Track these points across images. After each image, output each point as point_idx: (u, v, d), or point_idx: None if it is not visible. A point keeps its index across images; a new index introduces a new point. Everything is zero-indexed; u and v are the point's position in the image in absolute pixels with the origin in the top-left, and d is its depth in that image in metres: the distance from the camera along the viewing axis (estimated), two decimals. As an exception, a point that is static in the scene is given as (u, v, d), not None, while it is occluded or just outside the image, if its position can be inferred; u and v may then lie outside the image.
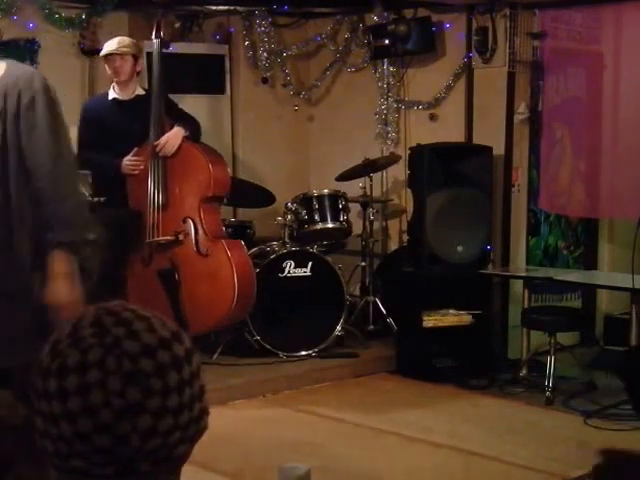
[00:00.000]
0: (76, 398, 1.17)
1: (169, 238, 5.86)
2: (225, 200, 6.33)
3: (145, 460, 1.19)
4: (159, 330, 1.23)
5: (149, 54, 6.35)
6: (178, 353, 1.23)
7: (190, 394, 1.23)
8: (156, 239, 5.87)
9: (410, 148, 6.53)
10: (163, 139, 5.84)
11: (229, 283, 5.83)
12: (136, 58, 5.99)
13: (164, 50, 6.06)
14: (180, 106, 6.21)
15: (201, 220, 5.91)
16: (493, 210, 6.49)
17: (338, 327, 6.38)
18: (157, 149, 5.84)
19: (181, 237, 5.87)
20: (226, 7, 7.26)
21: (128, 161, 5.90)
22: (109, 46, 5.94)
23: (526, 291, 6.30)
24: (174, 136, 5.88)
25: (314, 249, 6.47)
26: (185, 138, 5.95)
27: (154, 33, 6.07)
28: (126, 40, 6.00)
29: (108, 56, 5.95)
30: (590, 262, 7.07)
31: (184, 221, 5.92)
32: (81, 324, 1.22)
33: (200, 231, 5.91)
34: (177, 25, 7.17)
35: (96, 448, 1.17)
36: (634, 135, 6.23)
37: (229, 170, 6.47)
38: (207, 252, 5.87)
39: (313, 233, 6.60)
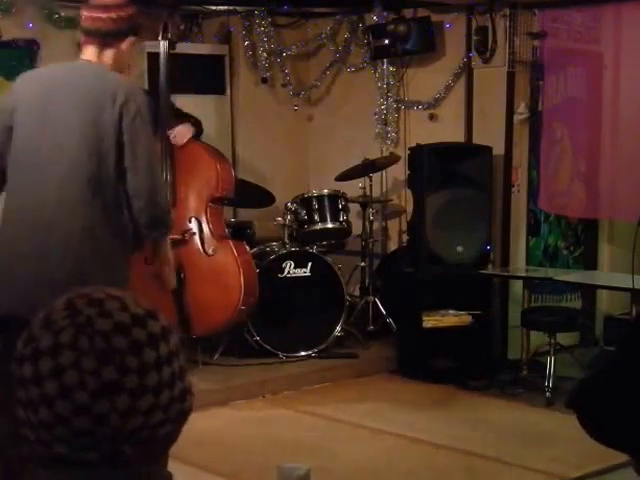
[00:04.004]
0: (51, 381, 1.16)
1: (175, 237, 5.84)
2: (226, 201, 6.33)
3: (127, 442, 1.18)
4: (132, 308, 1.22)
5: (151, 54, 6.34)
6: (153, 330, 1.21)
7: (170, 372, 1.22)
8: None
9: (410, 148, 6.53)
10: (175, 129, 5.87)
11: (236, 284, 5.84)
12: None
13: (170, 51, 6.04)
14: (179, 106, 6.20)
15: (207, 220, 5.93)
16: (493, 210, 6.49)
17: (338, 327, 6.37)
18: (171, 137, 5.84)
19: (187, 236, 5.87)
20: (226, 7, 7.26)
21: None
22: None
23: (526, 291, 6.30)
24: (185, 129, 5.91)
25: (314, 249, 6.47)
26: (191, 137, 5.97)
27: (161, 34, 6.03)
28: None
29: None
30: (590, 262, 7.07)
31: (190, 221, 5.92)
32: (54, 308, 1.22)
33: (206, 231, 5.91)
34: (182, 26, 7.15)
35: (76, 431, 1.16)
36: (634, 135, 6.22)
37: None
38: (213, 252, 5.88)
39: (313, 233, 6.60)
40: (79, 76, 3.69)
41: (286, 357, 6.26)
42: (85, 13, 3.68)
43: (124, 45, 3.72)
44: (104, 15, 3.65)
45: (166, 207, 3.77)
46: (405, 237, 7.01)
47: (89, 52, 3.71)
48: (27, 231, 3.60)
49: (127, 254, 3.76)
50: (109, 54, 3.71)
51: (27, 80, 3.75)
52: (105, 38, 3.67)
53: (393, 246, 7.38)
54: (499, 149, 6.51)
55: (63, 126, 3.59)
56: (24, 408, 1.20)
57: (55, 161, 3.60)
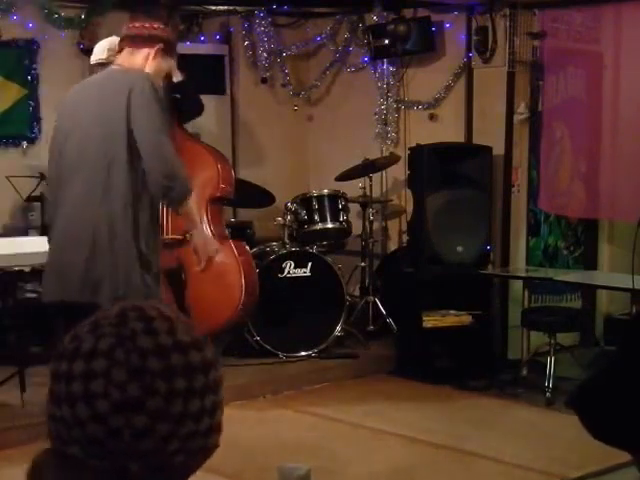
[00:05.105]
0: (79, 383, 1.17)
1: (177, 237, 5.84)
2: (226, 201, 6.33)
3: (137, 461, 1.18)
4: (179, 334, 1.21)
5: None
6: (192, 360, 1.20)
7: (199, 406, 1.20)
8: (163, 237, 5.85)
9: (410, 148, 6.53)
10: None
11: (236, 284, 5.83)
12: None
13: None
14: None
15: (208, 221, 5.92)
16: (493, 210, 6.49)
17: (338, 327, 6.37)
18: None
19: (188, 237, 5.86)
20: (226, 7, 7.26)
21: None
22: (99, 53, 5.55)
23: (526, 291, 6.30)
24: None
25: (314, 249, 6.47)
26: (193, 137, 5.97)
27: None
28: (116, 45, 5.68)
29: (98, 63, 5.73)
30: (590, 262, 7.07)
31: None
32: (107, 313, 1.23)
33: (207, 231, 5.90)
34: (182, 27, 7.13)
35: (90, 437, 1.17)
36: (634, 135, 6.22)
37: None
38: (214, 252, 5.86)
39: (313, 233, 6.60)
40: (101, 80, 4.13)
41: (286, 357, 6.25)
42: (125, 26, 4.22)
43: (152, 51, 4.11)
44: (140, 24, 4.17)
45: (171, 174, 3.93)
46: (405, 237, 7.01)
47: (121, 56, 4.16)
48: (59, 235, 4.07)
49: (152, 241, 4.07)
50: (139, 57, 4.11)
51: (70, 93, 4.20)
52: (136, 41, 4.12)
53: (393, 246, 7.37)
54: (499, 149, 6.51)
55: (85, 129, 4.00)
56: (51, 400, 1.21)
57: (78, 164, 4.00)
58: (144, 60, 4.13)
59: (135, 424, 1.16)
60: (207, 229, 5.93)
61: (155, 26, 4.20)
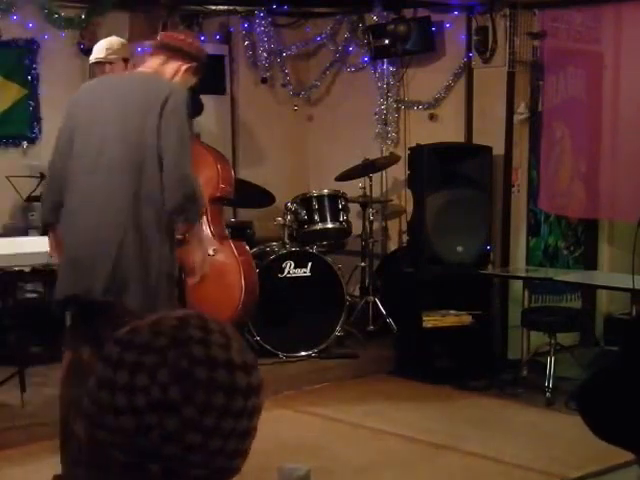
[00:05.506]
0: (125, 372, 1.18)
1: (177, 237, 5.83)
2: (226, 201, 6.32)
3: (156, 462, 1.19)
4: (233, 352, 1.23)
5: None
6: (238, 382, 1.21)
7: (231, 426, 1.21)
8: None
9: (410, 148, 6.53)
10: None
11: (236, 284, 5.83)
12: (127, 60, 5.74)
13: None
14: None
15: (208, 220, 5.92)
16: (493, 210, 6.49)
17: (338, 327, 6.37)
18: None
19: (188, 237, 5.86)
20: (226, 7, 7.26)
21: None
22: (97, 52, 5.55)
23: (526, 291, 6.30)
24: None
25: (314, 249, 6.47)
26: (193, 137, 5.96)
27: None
28: (114, 44, 5.53)
29: (97, 62, 5.59)
30: (590, 262, 7.07)
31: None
32: (169, 314, 1.25)
33: (206, 231, 5.90)
34: (182, 26, 7.14)
35: (119, 427, 1.18)
36: (634, 135, 6.22)
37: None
38: (213, 252, 5.87)
39: (313, 233, 6.60)
40: (128, 85, 4.10)
41: (286, 357, 6.25)
42: (164, 33, 4.30)
43: (185, 67, 4.13)
44: (181, 36, 4.23)
45: (192, 196, 3.97)
46: (405, 237, 7.01)
47: (152, 61, 4.14)
48: (80, 234, 4.01)
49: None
50: (170, 68, 4.12)
51: (84, 92, 4.16)
52: (173, 52, 4.11)
53: (393, 246, 7.38)
54: (499, 149, 6.51)
55: (108, 133, 3.96)
56: (94, 383, 1.22)
57: (100, 168, 3.96)
58: (174, 72, 4.14)
59: (166, 426, 1.17)
60: (207, 229, 5.94)
61: (196, 45, 4.26)
